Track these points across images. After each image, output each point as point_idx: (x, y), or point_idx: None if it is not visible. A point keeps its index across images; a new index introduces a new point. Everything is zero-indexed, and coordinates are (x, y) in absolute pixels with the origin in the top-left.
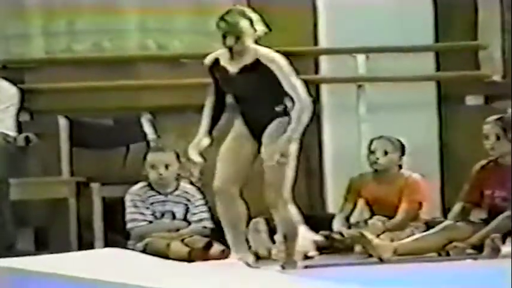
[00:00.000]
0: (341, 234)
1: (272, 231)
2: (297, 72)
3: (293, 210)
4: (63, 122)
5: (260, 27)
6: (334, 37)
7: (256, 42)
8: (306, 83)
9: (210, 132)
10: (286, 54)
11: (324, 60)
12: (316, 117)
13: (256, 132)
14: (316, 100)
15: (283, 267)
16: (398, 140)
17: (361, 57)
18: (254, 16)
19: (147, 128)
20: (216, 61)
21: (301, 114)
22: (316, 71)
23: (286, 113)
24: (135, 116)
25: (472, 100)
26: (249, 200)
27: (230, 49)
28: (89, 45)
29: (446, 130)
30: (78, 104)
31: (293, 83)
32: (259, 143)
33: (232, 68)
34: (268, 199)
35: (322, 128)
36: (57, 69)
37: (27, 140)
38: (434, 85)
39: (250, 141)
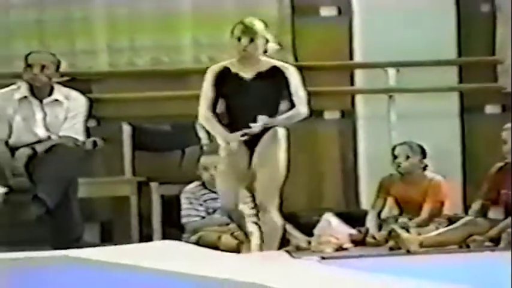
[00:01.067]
0: (373, 237)
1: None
2: (335, 84)
3: (279, 218)
4: (126, 128)
5: (272, 43)
6: (368, 52)
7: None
8: (309, 94)
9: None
10: (326, 68)
11: (358, 73)
12: (352, 124)
13: (248, 142)
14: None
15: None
16: (419, 145)
17: (391, 71)
18: (268, 31)
19: (201, 133)
20: (226, 69)
21: (294, 117)
22: (352, 83)
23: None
24: (190, 123)
25: (490, 109)
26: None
27: (240, 57)
28: (148, 59)
29: (468, 136)
30: (139, 112)
31: (300, 92)
32: (252, 152)
33: (247, 75)
34: (259, 201)
35: (357, 134)
36: (120, 81)
37: (94, 144)
38: (457, 96)
39: (244, 152)
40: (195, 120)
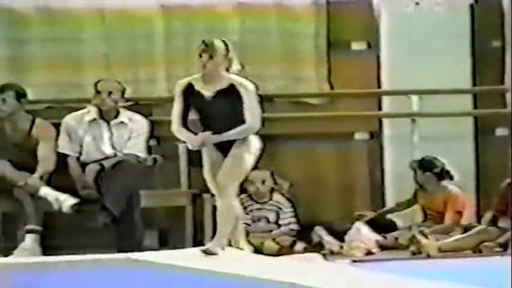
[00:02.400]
0: (396, 239)
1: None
2: (364, 109)
3: (236, 203)
4: (182, 147)
5: (236, 64)
6: (393, 81)
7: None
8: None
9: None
10: (357, 95)
11: (385, 100)
12: (379, 144)
13: (222, 150)
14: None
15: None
16: (433, 160)
17: (414, 97)
18: (231, 49)
19: None
20: (190, 85)
21: (245, 131)
22: (379, 108)
23: None
24: None
25: (501, 131)
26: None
27: (203, 74)
28: None
29: (481, 155)
30: None
31: (252, 107)
32: (225, 155)
33: (208, 92)
34: (220, 183)
35: (383, 153)
36: None
37: (154, 160)
38: (471, 120)
39: (221, 159)
40: None
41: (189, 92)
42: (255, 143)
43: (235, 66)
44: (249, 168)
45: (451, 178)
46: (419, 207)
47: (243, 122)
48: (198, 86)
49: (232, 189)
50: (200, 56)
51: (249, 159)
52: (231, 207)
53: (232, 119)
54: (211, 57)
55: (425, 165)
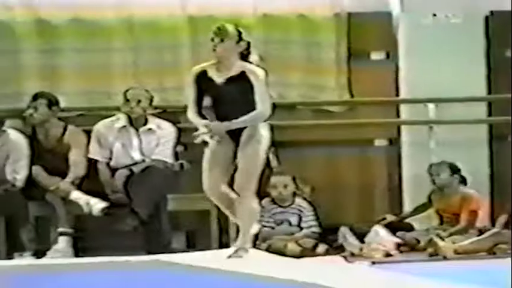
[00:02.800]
0: (417, 240)
1: (356, 234)
2: (383, 116)
3: (255, 204)
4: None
5: (254, 55)
6: (411, 90)
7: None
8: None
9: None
10: (376, 103)
11: (403, 107)
12: (397, 150)
13: (233, 135)
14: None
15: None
16: (450, 164)
17: (431, 105)
18: (245, 37)
19: (271, 157)
20: (203, 72)
21: (255, 118)
22: (398, 115)
23: None
24: None
25: None
26: (329, 211)
27: (217, 62)
28: None
29: (495, 160)
30: None
31: (263, 94)
32: (237, 144)
33: (219, 78)
34: (237, 186)
35: (402, 158)
36: None
37: (181, 165)
38: (486, 126)
39: (229, 143)
40: None
41: (202, 78)
42: (266, 135)
43: (254, 56)
44: (262, 164)
45: (465, 182)
46: (433, 210)
47: (253, 108)
48: (211, 73)
49: (250, 190)
50: (212, 40)
51: (262, 155)
52: (252, 207)
53: (243, 105)
54: (222, 40)
55: (452, 168)
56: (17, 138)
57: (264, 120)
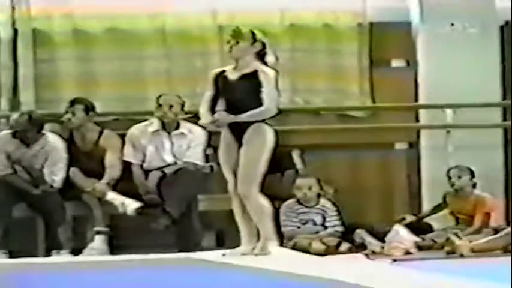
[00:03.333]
0: (433, 240)
1: (375, 233)
2: (403, 121)
3: (263, 200)
4: None
5: (271, 56)
6: (430, 96)
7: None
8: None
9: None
10: (397, 108)
11: (422, 112)
12: (417, 153)
13: (237, 135)
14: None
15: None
16: (468, 168)
17: (449, 111)
18: (262, 38)
19: (297, 160)
20: (222, 72)
21: (260, 113)
22: (417, 120)
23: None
24: (288, 151)
25: None
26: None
27: (235, 64)
28: None
29: (510, 163)
30: None
31: (270, 92)
32: (240, 144)
33: (232, 76)
34: (241, 190)
35: (420, 161)
36: None
37: (211, 168)
38: (500, 131)
39: (234, 143)
40: (291, 149)
41: (219, 77)
42: (270, 139)
43: (270, 57)
44: (265, 166)
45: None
46: (448, 211)
47: (260, 106)
48: (228, 72)
49: (254, 189)
50: (228, 42)
51: (264, 158)
52: (261, 205)
53: (251, 102)
54: (237, 42)
55: (472, 172)
56: (55, 142)
57: (269, 118)
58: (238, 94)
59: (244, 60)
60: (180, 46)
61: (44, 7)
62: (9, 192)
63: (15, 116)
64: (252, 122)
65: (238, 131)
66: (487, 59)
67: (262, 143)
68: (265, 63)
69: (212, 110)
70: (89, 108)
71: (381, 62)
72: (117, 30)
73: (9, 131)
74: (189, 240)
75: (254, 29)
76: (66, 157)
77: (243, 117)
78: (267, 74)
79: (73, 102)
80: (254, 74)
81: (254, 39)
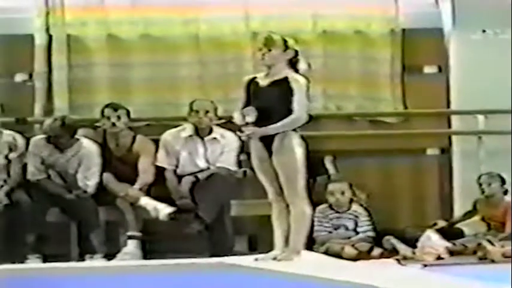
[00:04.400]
0: (465, 245)
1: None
2: (435, 126)
3: (307, 208)
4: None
5: (303, 63)
6: (462, 102)
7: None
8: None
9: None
10: (429, 114)
11: (454, 118)
12: (448, 158)
13: (266, 143)
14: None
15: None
16: (498, 174)
17: (480, 117)
18: (294, 45)
19: (329, 165)
20: (253, 78)
21: (291, 123)
22: (449, 126)
23: None
24: (320, 157)
25: None
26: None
27: (266, 71)
28: None
29: None
30: None
31: (301, 100)
32: (270, 152)
33: (263, 82)
34: (286, 197)
35: (452, 167)
36: None
37: (244, 173)
38: None
39: (264, 152)
40: (324, 155)
41: (251, 84)
42: (299, 143)
43: (302, 64)
44: (302, 171)
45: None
46: (479, 217)
47: (289, 114)
48: (259, 79)
49: (298, 196)
50: (260, 49)
51: (299, 163)
52: (303, 214)
53: (281, 109)
54: (269, 50)
55: (503, 179)
56: (89, 147)
57: (299, 127)
58: (268, 101)
59: (276, 68)
60: (213, 52)
61: (79, 13)
62: (43, 197)
63: (48, 121)
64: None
65: (266, 139)
66: None
67: (291, 150)
68: (297, 71)
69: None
70: (130, 113)
71: (413, 68)
72: (151, 36)
73: (44, 136)
74: (222, 245)
75: (286, 36)
76: (100, 162)
77: (274, 128)
78: (298, 81)
79: (116, 107)
80: (285, 81)
81: (286, 46)
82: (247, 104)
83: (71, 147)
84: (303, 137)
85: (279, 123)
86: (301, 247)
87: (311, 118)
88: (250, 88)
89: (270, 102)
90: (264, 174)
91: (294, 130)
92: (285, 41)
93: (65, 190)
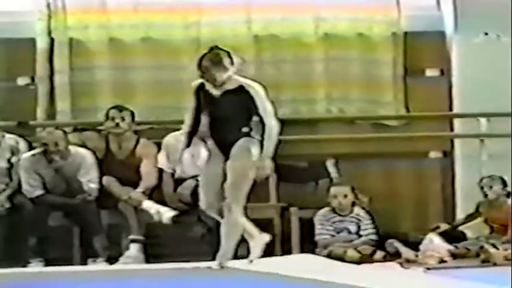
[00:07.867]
0: (467, 248)
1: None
2: (438, 130)
3: (240, 218)
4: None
5: (235, 57)
6: (464, 105)
7: None
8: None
9: (188, 146)
10: (431, 117)
11: (456, 122)
12: (451, 162)
13: (224, 150)
14: (452, 151)
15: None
16: (500, 177)
17: (483, 120)
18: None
19: (331, 169)
20: (202, 85)
21: (271, 133)
22: (451, 129)
23: (249, 134)
24: (322, 160)
25: None
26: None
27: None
28: (289, 110)
29: None
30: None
31: (265, 107)
32: (227, 159)
33: (216, 92)
34: (226, 201)
35: (455, 170)
36: None
37: None
38: None
39: (220, 159)
40: (326, 158)
41: (200, 91)
42: (255, 153)
43: (236, 59)
44: (250, 180)
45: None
46: (482, 220)
47: (247, 123)
48: (208, 86)
49: (237, 204)
50: (208, 69)
51: (250, 172)
52: (235, 223)
53: (239, 120)
54: (219, 70)
55: (505, 182)
56: (82, 152)
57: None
58: (226, 110)
59: (222, 77)
60: None
61: (80, 16)
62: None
63: (44, 133)
64: (239, 137)
65: (225, 143)
66: None
67: (248, 157)
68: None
69: (194, 128)
70: (134, 116)
71: (415, 71)
72: (153, 39)
73: (38, 150)
74: None
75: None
76: (95, 164)
77: (269, 151)
78: (256, 90)
79: (121, 109)
80: (240, 90)
81: (231, 58)
82: (197, 111)
83: (67, 156)
84: (261, 145)
85: (267, 144)
86: (232, 252)
87: (283, 123)
88: (199, 95)
89: (228, 111)
90: (213, 183)
91: (254, 138)
92: (228, 54)
93: (67, 197)
